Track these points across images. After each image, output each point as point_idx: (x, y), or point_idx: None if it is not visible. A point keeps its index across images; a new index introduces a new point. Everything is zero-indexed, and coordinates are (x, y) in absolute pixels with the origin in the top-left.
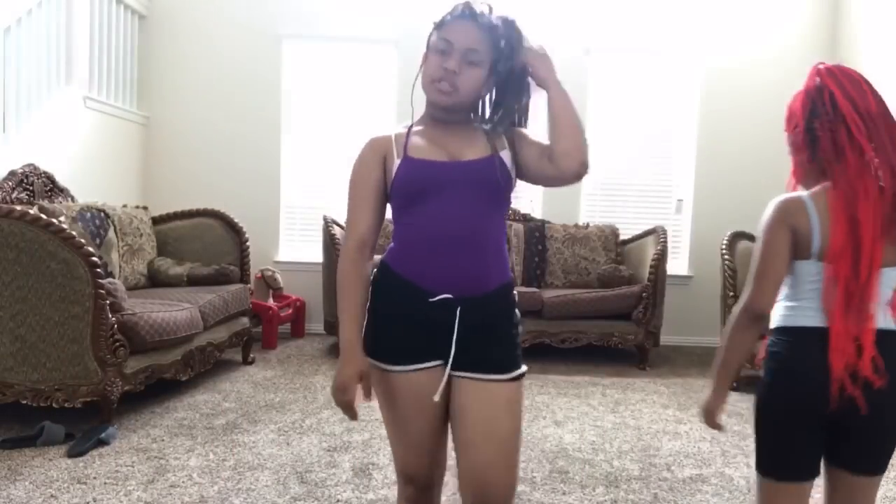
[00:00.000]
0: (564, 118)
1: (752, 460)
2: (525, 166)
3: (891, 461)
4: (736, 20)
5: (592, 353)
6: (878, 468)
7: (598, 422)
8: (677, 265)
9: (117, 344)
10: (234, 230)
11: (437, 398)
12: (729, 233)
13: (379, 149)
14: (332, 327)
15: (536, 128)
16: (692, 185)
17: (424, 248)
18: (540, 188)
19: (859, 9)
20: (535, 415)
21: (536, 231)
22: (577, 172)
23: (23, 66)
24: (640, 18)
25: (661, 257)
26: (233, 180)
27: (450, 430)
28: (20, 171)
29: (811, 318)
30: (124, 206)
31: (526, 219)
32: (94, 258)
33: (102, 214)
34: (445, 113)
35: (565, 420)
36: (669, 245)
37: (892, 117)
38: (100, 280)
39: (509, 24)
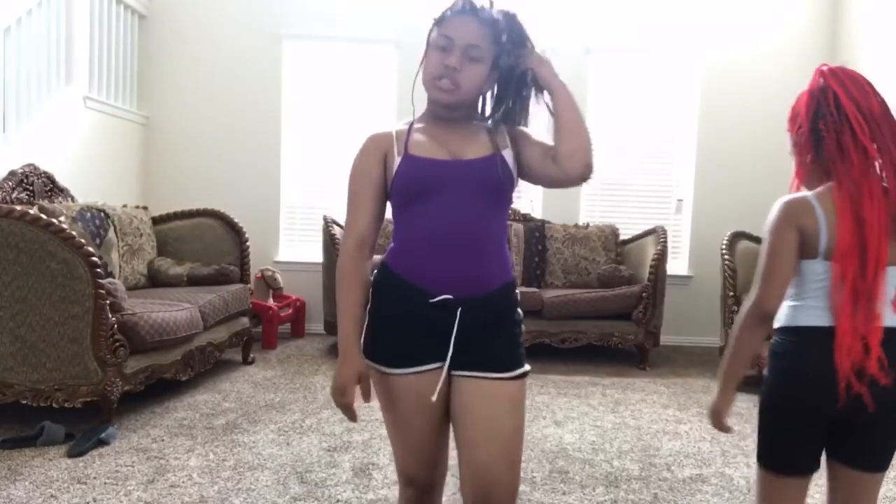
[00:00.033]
0: (569, 118)
1: (753, 460)
2: (528, 166)
3: (892, 460)
4: (736, 16)
5: (592, 353)
6: (882, 465)
7: (598, 422)
8: (677, 265)
9: (117, 344)
10: (234, 230)
11: (434, 398)
12: (729, 233)
13: (380, 145)
14: (332, 327)
15: (537, 128)
16: (692, 185)
17: (425, 248)
18: (540, 188)
19: (859, 4)
20: (535, 415)
21: (536, 231)
22: (580, 174)
23: (23, 66)
24: (640, 18)
25: (661, 257)
26: (233, 180)
27: (451, 431)
28: (20, 171)
29: (817, 317)
30: (124, 206)
31: (526, 219)
32: (94, 258)
33: (102, 214)
34: (447, 111)
35: (565, 420)
36: (669, 245)
37: (893, 118)
38: (100, 280)
39: (510, 18)
